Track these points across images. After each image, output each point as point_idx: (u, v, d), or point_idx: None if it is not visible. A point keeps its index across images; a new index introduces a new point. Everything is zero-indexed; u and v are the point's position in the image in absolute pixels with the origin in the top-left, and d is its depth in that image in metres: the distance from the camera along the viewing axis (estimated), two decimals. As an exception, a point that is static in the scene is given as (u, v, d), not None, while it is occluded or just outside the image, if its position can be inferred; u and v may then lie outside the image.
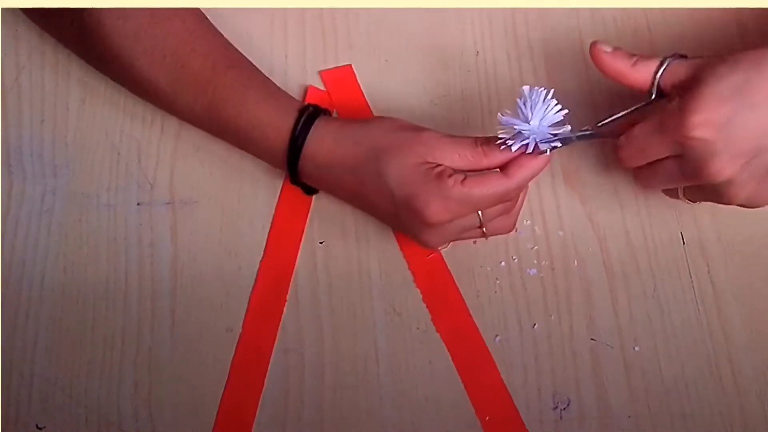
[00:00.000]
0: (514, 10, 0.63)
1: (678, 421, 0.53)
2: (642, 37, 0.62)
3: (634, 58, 0.51)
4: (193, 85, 0.53)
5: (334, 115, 0.58)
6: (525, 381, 0.54)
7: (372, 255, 0.56)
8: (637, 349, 0.54)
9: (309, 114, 0.52)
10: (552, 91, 0.48)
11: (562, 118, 0.49)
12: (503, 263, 0.56)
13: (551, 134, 0.48)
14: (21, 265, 0.56)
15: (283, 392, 0.54)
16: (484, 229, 0.51)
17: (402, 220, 0.51)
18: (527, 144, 0.48)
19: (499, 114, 0.48)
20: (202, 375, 0.54)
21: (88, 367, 0.54)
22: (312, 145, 0.52)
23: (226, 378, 0.54)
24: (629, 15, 0.63)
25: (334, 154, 0.51)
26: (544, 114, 0.48)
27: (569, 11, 0.63)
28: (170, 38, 0.53)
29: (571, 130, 0.49)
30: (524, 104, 0.48)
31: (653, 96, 0.50)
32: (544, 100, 0.48)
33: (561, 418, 0.53)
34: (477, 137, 0.50)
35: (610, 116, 0.52)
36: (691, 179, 0.48)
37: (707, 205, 0.57)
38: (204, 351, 0.55)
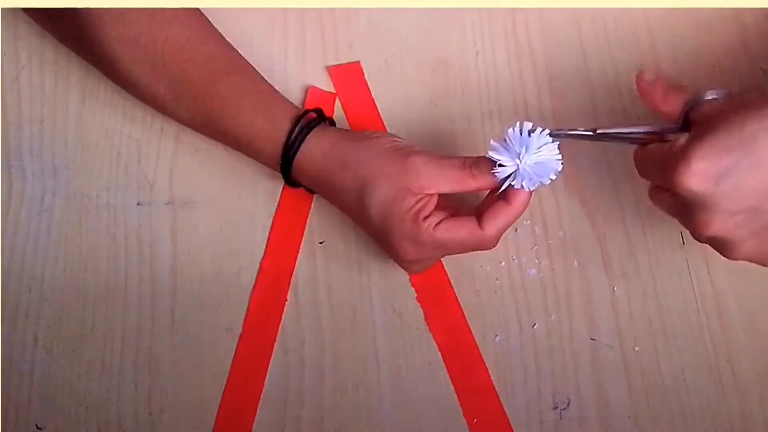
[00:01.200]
0: (514, 11, 0.63)
1: (678, 421, 0.53)
2: (642, 37, 0.62)
3: (666, 88, 0.48)
4: (192, 93, 0.53)
5: (335, 115, 0.58)
6: (525, 381, 0.54)
7: (372, 255, 0.56)
8: (637, 349, 0.54)
9: (301, 128, 0.52)
10: (548, 132, 0.47)
11: (559, 167, 0.47)
12: (503, 263, 0.56)
13: (537, 174, 0.47)
14: (21, 265, 0.56)
15: (283, 392, 0.54)
16: None
17: (383, 246, 0.52)
18: (513, 176, 0.47)
19: (491, 140, 0.47)
20: (202, 375, 0.54)
21: (88, 367, 0.54)
22: (303, 161, 0.52)
23: (226, 378, 0.54)
24: (629, 15, 0.62)
25: (322, 172, 0.52)
26: (538, 154, 0.46)
27: (569, 11, 0.63)
28: (169, 44, 0.53)
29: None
30: (517, 138, 0.46)
31: (679, 127, 0.47)
32: (539, 137, 0.46)
33: (561, 418, 0.53)
34: (467, 158, 0.49)
35: (610, 129, 0.50)
36: (683, 223, 0.46)
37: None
38: (204, 351, 0.55)
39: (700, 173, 0.42)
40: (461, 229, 0.48)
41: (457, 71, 0.61)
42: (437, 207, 0.49)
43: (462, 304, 0.55)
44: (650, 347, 0.54)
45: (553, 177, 0.47)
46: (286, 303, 0.55)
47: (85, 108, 0.60)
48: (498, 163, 0.47)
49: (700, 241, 0.46)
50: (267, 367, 0.54)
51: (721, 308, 0.55)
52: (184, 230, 0.57)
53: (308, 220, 0.57)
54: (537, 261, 0.56)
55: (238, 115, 0.53)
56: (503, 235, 0.56)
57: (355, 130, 0.56)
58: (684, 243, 0.56)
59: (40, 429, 0.53)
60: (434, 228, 0.48)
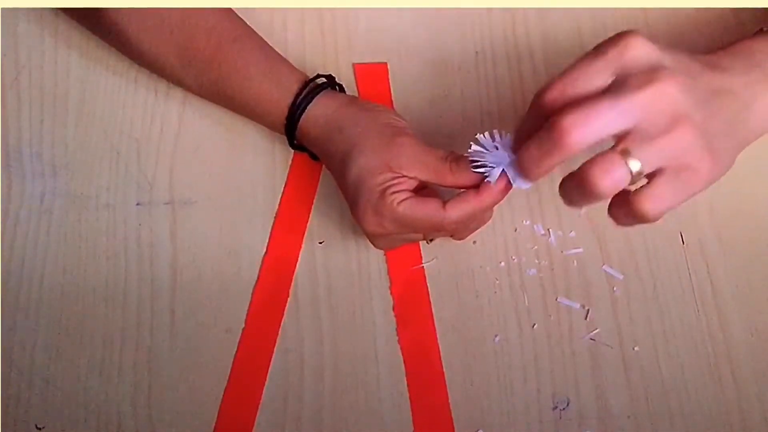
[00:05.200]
0: (513, 11, 0.63)
1: (677, 421, 0.53)
2: (642, 37, 0.62)
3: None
4: (200, 59, 0.54)
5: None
6: (524, 381, 0.54)
7: (372, 255, 0.56)
8: (636, 349, 0.54)
9: (310, 90, 0.53)
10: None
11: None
12: (503, 263, 0.56)
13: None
14: (21, 265, 0.56)
15: (283, 392, 0.54)
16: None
17: (352, 215, 0.51)
18: (496, 172, 0.47)
19: (471, 144, 0.47)
20: (202, 375, 0.54)
21: (87, 367, 0.54)
22: (307, 123, 0.53)
23: (226, 378, 0.54)
24: (629, 15, 0.63)
25: (322, 135, 0.52)
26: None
27: (569, 11, 0.63)
28: (175, 13, 0.53)
29: None
30: (491, 143, 0.47)
31: None
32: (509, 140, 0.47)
33: (560, 418, 0.53)
34: (451, 153, 0.49)
35: None
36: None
37: (706, 205, 0.57)
38: (204, 351, 0.55)
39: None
40: (423, 208, 0.48)
41: (457, 71, 0.61)
42: (414, 191, 0.49)
43: (462, 305, 0.55)
44: (650, 347, 0.54)
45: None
46: (287, 303, 0.55)
47: (84, 108, 0.60)
48: (481, 164, 0.47)
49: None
50: (267, 367, 0.54)
51: (720, 308, 0.55)
52: (184, 230, 0.57)
53: (308, 220, 0.57)
54: (537, 261, 0.56)
55: (246, 79, 0.54)
56: (503, 235, 0.56)
57: (363, 99, 0.56)
58: (684, 243, 0.57)
59: (39, 429, 0.53)
60: (398, 203, 0.48)
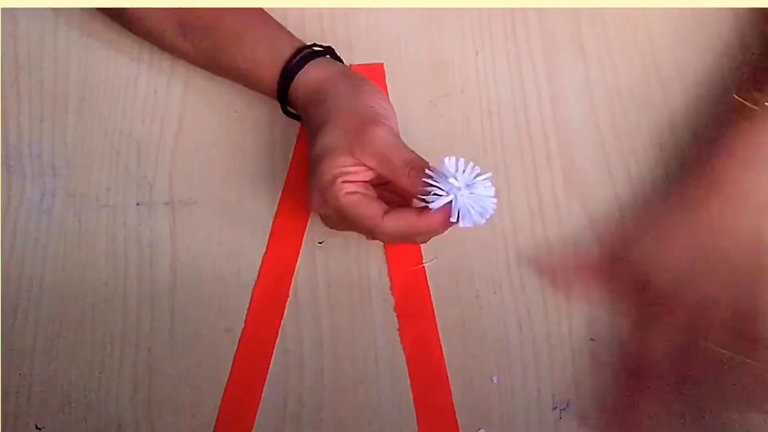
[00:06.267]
0: (513, 11, 0.63)
1: (677, 420, 0.53)
2: (642, 37, 0.62)
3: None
4: (198, 27, 0.55)
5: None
6: (524, 381, 0.54)
7: (372, 255, 0.56)
8: (636, 349, 0.54)
9: (304, 55, 0.53)
10: (488, 175, 0.45)
11: (492, 208, 0.45)
12: (503, 263, 0.56)
13: (475, 206, 0.45)
14: (20, 264, 0.56)
15: (283, 392, 0.54)
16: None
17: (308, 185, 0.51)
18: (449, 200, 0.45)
19: (444, 158, 0.45)
20: (202, 375, 0.54)
21: (87, 367, 0.54)
22: (297, 88, 0.53)
23: (226, 378, 0.54)
24: (629, 15, 0.63)
25: (308, 103, 0.52)
26: (474, 188, 0.45)
27: (569, 11, 0.63)
28: None
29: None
30: (452, 170, 0.45)
31: None
32: (472, 171, 0.45)
33: (560, 418, 0.53)
34: (416, 158, 0.48)
35: None
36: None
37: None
38: (204, 351, 0.54)
39: None
40: (363, 209, 0.47)
41: (456, 71, 0.61)
42: (373, 184, 0.49)
43: (461, 305, 0.55)
44: (650, 347, 0.54)
45: (487, 218, 0.45)
46: (287, 303, 0.55)
47: (84, 108, 0.60)
48: (432, 192, 0.45)
49: None
50: (267, 367, 0.54)
51: (720, 308, 0.55)
52: (184, 230, 0.57)
53: (308, 220, 0.57)
54: (537, 261, 0.56)
55: (242, 46, 0.54)
56: (503, 235, 0.56)
57: (356, 72, 0.54)
58: (683, 243, 0.57)
59: (39, 429, 0.53)
60: (344, 194, 0.47)
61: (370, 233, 0.49)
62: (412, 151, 0.48)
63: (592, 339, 0.55)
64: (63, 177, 0.58)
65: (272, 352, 0.54)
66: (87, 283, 0.56)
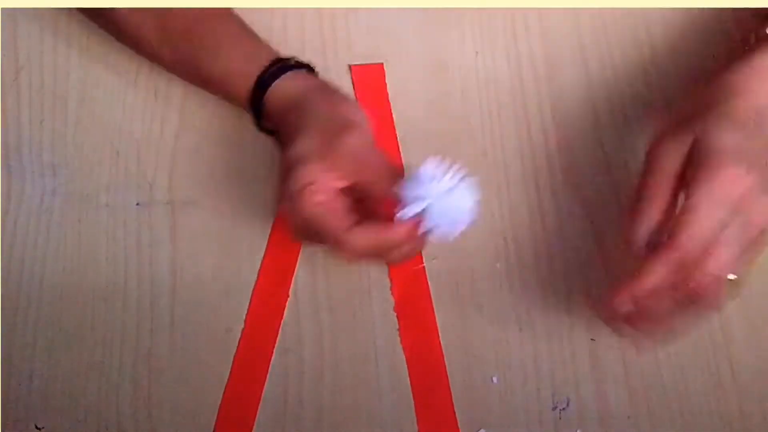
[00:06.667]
0: (513, 11, 0.63)
1: (678, 421, 0.53)
2: (641, 37, 0.62)
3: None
4: (176, 33, 0.55)
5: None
6: (524, 381, 0.54)
7: (372, 255, 0.56)
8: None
9: (279, 67, 0.53)
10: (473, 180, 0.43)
11: (468, 218, 0.43)
12: (503, 263, 0.56)
13: (446, 216, 0.43)
14: (21, 265, 0.56)
15: (283, 392, 0.54)
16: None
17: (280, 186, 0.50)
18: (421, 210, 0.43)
19: (427, 159, 0.43)
20: (202, 375, 0.54)
21: (87, 367, 0.54)
22: (270, 99, 0.52)
23: (226, 378, 0.54)
24: (629, 15, 0.63)
25: (280, 110, 0.52)
26: (451, 194, 0.42)
27: (569, 11, 0.63)
28: None
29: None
30: (428, 175, 0.43)
31: None
32: (451, 178, 0.43)
33: (560, 418, 0.53)
34: (390, 166, 0.48)
35: None
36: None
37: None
38: (204, 351, 0.54)
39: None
40: (331, 220, 0.46)
41: (456, 72, 0.61)
42: (346, 194, 0.48)
43: (461, 304, 0.55)
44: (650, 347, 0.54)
45: (461, 229, 0.43)
46: (287, 303, 0.55)
47: (84, 108, 0.60)
48: (404, 202, 0.43)
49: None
50: (267, 367, 0.54)
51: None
52: (184, 230, 0.57)
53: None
54: (536, 261, 0.56)
55: (218, 54, 0.54)
56: (502, 234, 0.56)
57: (332, 84, 0.54)
58: (683, 243, 0.56)
59: (39, 429, 0.53)
60: (311, 203, 0.46)
61: (336, 246, 0.47)
62: (386, 158, 0.48)
63: (592, 339, 0.55)
64: (63, 177, 0.58)
65: (272, 352, 0.54)
66: (87, 283, 0.56)
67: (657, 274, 0.44)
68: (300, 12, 0.62)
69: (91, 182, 0.58)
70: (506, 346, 0.55)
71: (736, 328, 0.54)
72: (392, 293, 0.56)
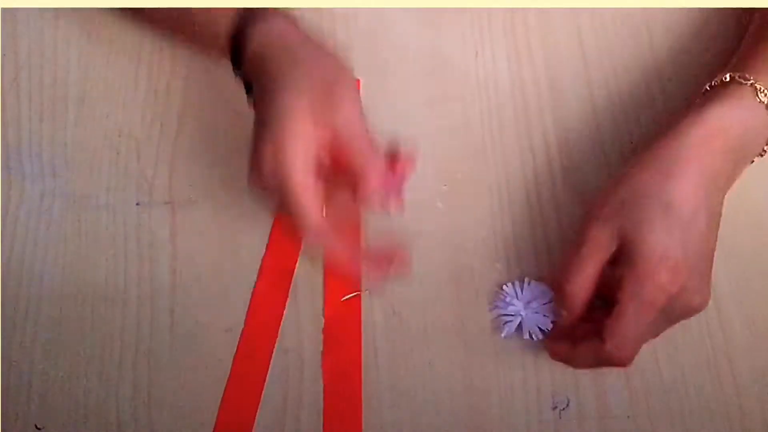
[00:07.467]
0: (513, 11, 0.63)
1: (678, 421, 0.53)
2: (642, 37, 0.62)
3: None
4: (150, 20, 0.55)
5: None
6: (524, 381, 0.54)
7: (372, 255, 0.56)
8: (636, 349, 0.54)
9: (262, 10, 0.50)
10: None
11: (548, 325, 0.53)
12: (503, 263, 0.56)
13: (539, 326, 0.53)
14: (20, 264, 0.56)
15: (283, 392, 0.54)
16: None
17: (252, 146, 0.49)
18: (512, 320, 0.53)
19: (504, 286, 0.54)
20: (202, 375, 0.54)
21: (87, 367, 0.54)
22: (256, 34, 0.49)
23: (226, 378, 0.54)
24: (629, 15, 0.63)
25: (266, 50, 0.49)
26: (536, 305, 0.53)
27: (569, 11, 0.63)
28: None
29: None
30: (516, 289, 0.54)
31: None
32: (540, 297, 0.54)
33: (560, 418, 0.53)
34: (375, 149, 0.48)
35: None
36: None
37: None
38: (204, 351, 0.54)
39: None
40: (304, 195, 0.45)
41: (456, 72, 0.61)
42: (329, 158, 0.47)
43: (461, 304, 0.55)
44: (650, 347, 0.54)
45: (546, 329, 0.53)
46: (286, 303, 0.55)
47: (84, 108, 0.60)
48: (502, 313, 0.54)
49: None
50: (267, 367, 0.54)
51: (720, 308, 0.55)
52: (184, 230, 0.57)
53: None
54: (536, 261, 0.56)
55: (191, 12, 0.52)
56: (502, 234, 0.56)
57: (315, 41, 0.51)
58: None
59: (39, 429, 0.53)
60: (294, 171, 0.44)
61: (300, 228, 0.46)
62: (371, 134, 0.47)
63: (592, 339, 0.55)
64: (63, 177, 0.58)
65: (272, 352, 0.54)
66: (87, 283, 0.56)
67: (585, 358, 0.49)
68: (300, 12, 0.62)
69: (91, 182, 0.58)
70: (505, 346, 0.54)
71: (736, 328, 0.54)
72: (324, 315, 0.55)
